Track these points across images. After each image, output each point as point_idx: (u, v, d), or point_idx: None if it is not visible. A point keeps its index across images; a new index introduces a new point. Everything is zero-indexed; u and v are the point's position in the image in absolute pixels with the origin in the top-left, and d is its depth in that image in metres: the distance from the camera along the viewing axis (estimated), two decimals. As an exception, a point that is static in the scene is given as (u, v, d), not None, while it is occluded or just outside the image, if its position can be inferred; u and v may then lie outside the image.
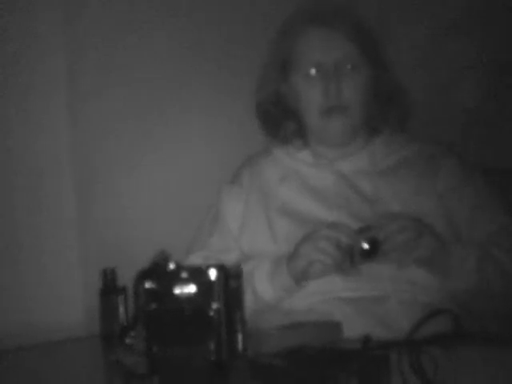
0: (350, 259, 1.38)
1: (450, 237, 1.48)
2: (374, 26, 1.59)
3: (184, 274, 1.11)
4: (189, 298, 1.09)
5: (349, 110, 1.52)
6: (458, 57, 2.22)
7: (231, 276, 1.14)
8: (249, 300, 1.27)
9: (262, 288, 1.44)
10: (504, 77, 2.23)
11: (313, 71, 1.52)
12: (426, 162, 1.57)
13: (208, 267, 1.11)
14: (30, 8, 1.80)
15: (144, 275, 1.12)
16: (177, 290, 1.10)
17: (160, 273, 1.12)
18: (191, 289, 1.10)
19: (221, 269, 1.11)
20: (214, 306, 1.09)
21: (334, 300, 1.44)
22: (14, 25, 1.80)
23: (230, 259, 1.51)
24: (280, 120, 1.61)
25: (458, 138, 2.03)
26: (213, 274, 1.10)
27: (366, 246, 1.37)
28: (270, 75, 1.60)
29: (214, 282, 1.10)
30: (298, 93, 1.55)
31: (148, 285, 1.11)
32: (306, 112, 1.55)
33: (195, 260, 1.55)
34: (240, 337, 1.14)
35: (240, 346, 1.13)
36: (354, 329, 1.29)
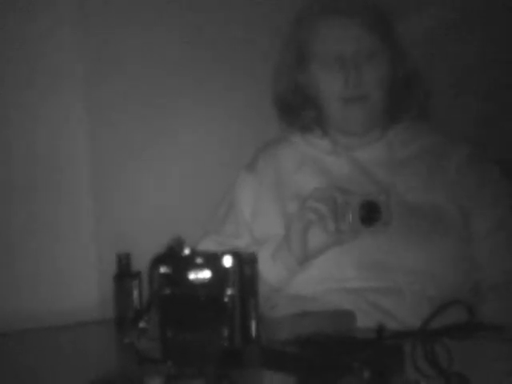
0: (348, 224, 1.38)
1: (462, 228, 1.48)
2: (388, 9, 1.58)
3: (199, 260, 1.11)
4: (203, 283, 1.10)
5: (369, 99, 1.51)
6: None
7: (246, 262, 1.14)
8: None
9: (265, 269, 1.42)
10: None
11: (332, 61, 1.51)
12: (441, 155, 1.56)
13: (223, 253, 1.11)
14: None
15: (159, 260, 1.12)
16: (191, 276, 1.10)
17: (175, 258, 1.12)
18: (206, 274, 1.10)
19: (236, 255, 1.11)
20: (229, 292, 1.10)
21: (344, 290, 1.44)
22: (30, 26, 1.81)
23: (241, 244, 1.52)
24: (299, 109, 1.60)
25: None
26: (228, 260, 1.10)
27: (363, 208, 1.36)
28: (287, 65, 1.59)
29: (228, 269, 1.10)
30: (317, 82, 1.54)
31: (163, 269, 1.11)
32: (326, 101, 1.54)
33: (208, 244, 1.56)
34: (254, 323, 1.14)
35: (253, 332, 1.13)
36: (363, 321, 1.29)
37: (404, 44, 1.57)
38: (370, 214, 1.37)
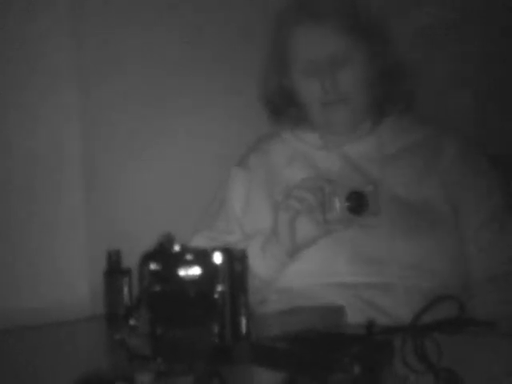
0: (336, 214, 1.38)
1: (455, 222, 1.48)
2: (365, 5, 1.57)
3: (189, 256, 1.11)
4: (193, 280, 1.10)
5: (349, 101, 1.51)
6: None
7: (236, 259, 1.14)
8: None
9: (255, 262, 1.42)
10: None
11: (307, 68, 1.51)
12: (432, 148, 1.56)
13: (213, 250, 1.11)
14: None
15: (149, 257, 1.12)
16: (181, 272, 1.10)
17: (165, 255, 1.12)
18: (196, 271, 1.10)
19: (226, 252, 1.11)
20: (219, 288, 1.10)
21: (335, 285, 1.44)
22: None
23: (233, 240, 1.52)
24: (286, 109, 1.61)
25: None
26: (218, 256, 1.10)
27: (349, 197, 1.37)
28: (272, 69, 1.60)
29: (218, 265, 1.10)
30: (298, 87, 1.55)
31: (153, 266, 1.11)
32: (308, 105, 1.55)
33: (200, 240, 1.56)
34: (244, 320, 1.14)
35: (244, 329, 1.13)
36: (354, 316, 1.29)
37: (385, 38, 1.56)
38: (358, 203, 1.38)
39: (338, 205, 1.38)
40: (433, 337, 0.99)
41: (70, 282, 1.82)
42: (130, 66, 1.90)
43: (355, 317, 1.32)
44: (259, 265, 1.45)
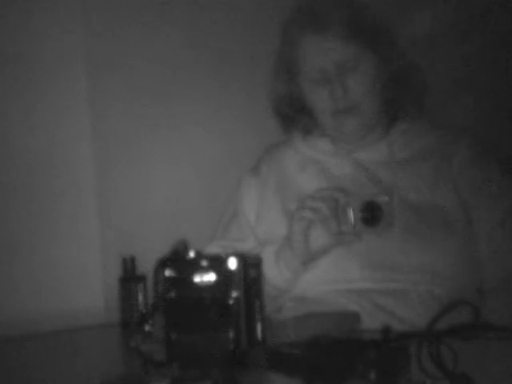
0: (350, 225, 1.38)
1: (467, 227, 1.48)
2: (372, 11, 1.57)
3: (204, 263, 1.11)
4: (208, 286, 1.10)
5: (359, 108, 1.51)
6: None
7: (251, 265, 1.14)
8: None
9: (270, 270, 1.42)
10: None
11: (316, 76, 1.51)
12: (444, 153, 1.55)
13: (228, 256, 1.11)
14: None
15: (164, 263, 1.12)
16: (196, 279, 1.10)
17: (180, 261, 1.12)
18: (211, 277, 1.10)
19: (241, 258, 1.11)
20: (234, 294, 1.10)
21: (349, 291, 1.44)
22: (31, 25, 1.82)
23: (246, 248, 1.52)
24: (296, 117, 1.61)
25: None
26: (233, 262, 1.10)
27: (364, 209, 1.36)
28: (279, 79, 1.60)
29: (233, 271, 1.10)
30: (307, 96, 1.55)
31: (168, 273, 1.11)
32: (318, 114, 1.55)
33: (213, 249, 1.56)
34: (259, 326, 1.14)
35: (259, 334, 1.13)
36: (369, 322, 1.29)
37: (393, 42, 1.55)
38: (372, 214, 1.37)
39: (353, 216, 1.37)
40: (448, 342, 0.99)
41: (84, 289, 1.82)
42: (136, 67, 1.90)
43: (370, 323, 1.32)
44: (274, 273, 1.45)
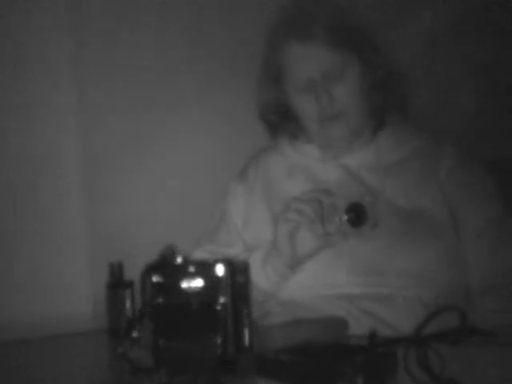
0: (336, 226, 1.38)
1: (454, 231, 1.48)
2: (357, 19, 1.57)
3: (191, 268, 1.11)
4: (196, 292, 1.09)
5: (346, 115, 1.51)
6: (457, 57, 2.22)
7: (238, 271, 1.14)
8: None
9: (257, 275, 1.40)
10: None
11: (302, 84, 1.52)
12: (430, 158, 1.56)
13: (215, 261, 1.11)
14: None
15: (151, 269, 1.12)
16: (184, 284, 1.10)
17: (167, 267, 1.12)
18: (198, 283, 1.10)
19: (228, 263, 1.11)
20: (221, 300, 1.09)
21: (337, 296, 1.44)
22: (27, 26, 1.81)
23: (234, 253, 1.52)
24: (282, 124, 1.61)
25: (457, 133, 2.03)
26: (220, 268, 1.10)
27: (348, 210, 1.37)
28: (265, 86, 1.60)
29: (221, 277, 1.10)
30: (294, 103, 1.55)
31: (155, 278, 1.11)
32: (305, 120, 1.56)
33: (200, 254, 1.56)
34: (247, 332, 1.13)
35: (247, 340, 1.13)
36: (356, 327, 1.29)
37: (378, 49, 1.56)
38: (358, 215, 1.38)
39: (338, 217, 1.38)
40: (436, 347, 0.99)
41: (72, 295, 1.82)
42: (127, 69, 1.90)
43: (357, 328, 1.33)
44: (261, 277, 1.45)
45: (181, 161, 1.96)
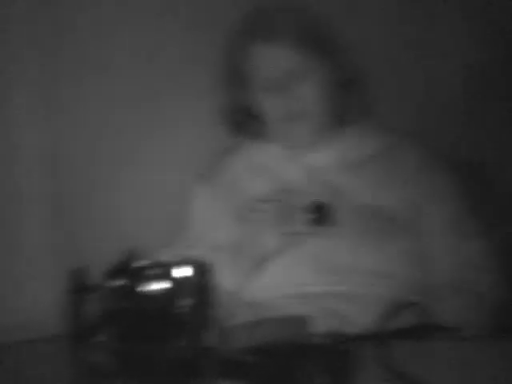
0: (298, 226, 1.39)
1: (416, 228, 1.50)
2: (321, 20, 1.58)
3: (153, 271, 1.10)
4: (158, 294, 1.09)
5: (309, 115, 1.53)
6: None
7: (202, 272, 1.14)
8: None
9: (220, 276, 1.40)
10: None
11: (266, 84, 1.52)
12: (393, 157, 1.58)
13: (178, 264, 1.10)
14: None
15: (112, 273, 1.11)
16: (145, 287, 1.09)
17: (128, 270, 1.11)
18: (160, 286, 1.09)
19: (192, 265, 1.11)
20: (184, 302, 1.09)
21: (300, 295, 1.45)
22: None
23: (198, 255, 1.51)
24: (246, 123, 1.61)
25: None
26: (183, 270, 1.10)
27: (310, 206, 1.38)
28: (228, 85, 1.60)
29: (183, 279, 1.10)
30: (257, 103, 1.56)
31: (116, 282, 1.10)
32: (268, 120, 1.56)
33: (165, 257, 1.55)
34: (210, 333, 1.13)
35: (210, 342, 1.13)
36: (320, 326, 1.29)
37: (342, 49, 1.57)
38: (320, 215, 1.39)
39: (300, 216, 1.39)
40: (397, 344, 1.00)
41: (33, 300, 1.80)
42: (88, 76, 1.88)
43: (321, 326, 1.33)
44: (225, 278, 1.45)
45: (145, 165, 1.95)
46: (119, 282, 1.10)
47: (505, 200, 1.74)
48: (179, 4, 1.98)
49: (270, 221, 1.41)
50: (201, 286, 1.12)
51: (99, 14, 1.88)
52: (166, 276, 1.10)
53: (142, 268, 1.11)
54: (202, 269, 1.14)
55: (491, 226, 1.59)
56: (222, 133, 1.68)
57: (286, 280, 1.47)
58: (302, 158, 1.58)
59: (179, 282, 1.09)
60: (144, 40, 1.93)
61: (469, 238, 1.53)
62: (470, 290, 1.48)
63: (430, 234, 1.51)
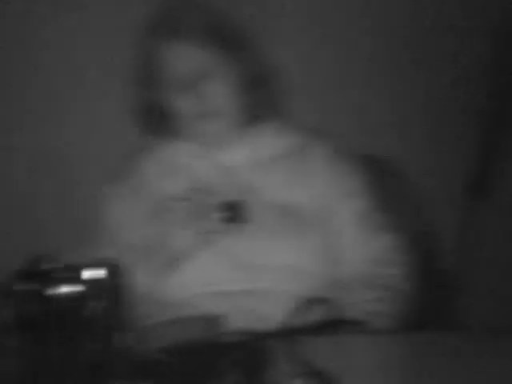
0: (210, 224, 1.40)
1: (327, 224, 1.53)
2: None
3: (64, 274, 1.09)
4: (67, 297, 1.07)
5: (220, 112, 1.54)
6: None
7: (114, 274, 1.13)
8: None
9: (134, 276, 1.39)
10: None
11: (176, 83, 1.53)
12: (303, 153, 1.60)
13: (89, 265, 1.09)
14: None
15: (20, 276, 1.09)
16: (54, 290, 1.08)
17: (38, 273, 1.09)
18: (69, 288, 1.08)
19: (102, 267, 1.10)
20: (96, 304, 1.08)
21: (216, 294, 1.45)
22: None
23: (111, 256, 1.50)
24: (159, 123, 1.61)
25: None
26: (93, 272, 1.09)
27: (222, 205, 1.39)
28: (140, 84, 1.60)
29: (95, 281, 1.09)
30: (169, 102, 1.56)
31: (24, 286, 1.08)
32: (180, 119, 1.56)
33: (77, 259, 1.52)
34: (122, 335, 1.12)
35: (122, 344, 1.12)
36: (235, 324, 1.30)
37: (252, 47, 1.59)
38: (233, 213, 1.40)
39: (213, 215, 1.40)
40: (309, 340, 1.01)
41: None
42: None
43: (235, 324, 1.34)
44: (138, 279, 1.44)
45: (57, 165, 1.92)
46: (28, 286, 1.08)
47: (413, 195, 1.78)
48: (90, 3, 1.97)
49: (182, 220, 1.41)
50: (113, 287, 1.11)
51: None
52: (76, 279, 1.09)
53: (52, 271, 1.10)
54: (114, 270, 1.13)
55: (400, 220, 1.63)
56: (134, 133, 1.67)
57: (201, 278, 1.47)
58: (215, 157, 1.59)
59: (91, 284, 1.08)
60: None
61: (378, 232, 1.57)
62: (380, 284, 1.51)
63: (340, 229, 1.55)
